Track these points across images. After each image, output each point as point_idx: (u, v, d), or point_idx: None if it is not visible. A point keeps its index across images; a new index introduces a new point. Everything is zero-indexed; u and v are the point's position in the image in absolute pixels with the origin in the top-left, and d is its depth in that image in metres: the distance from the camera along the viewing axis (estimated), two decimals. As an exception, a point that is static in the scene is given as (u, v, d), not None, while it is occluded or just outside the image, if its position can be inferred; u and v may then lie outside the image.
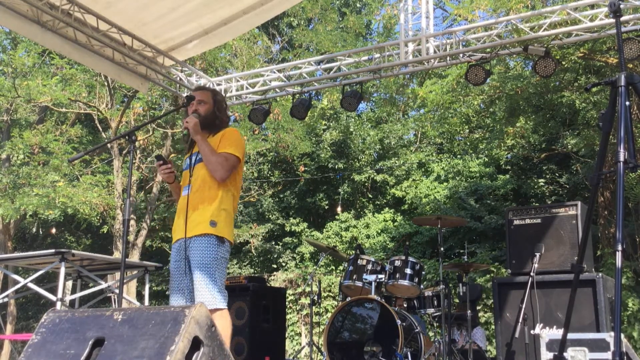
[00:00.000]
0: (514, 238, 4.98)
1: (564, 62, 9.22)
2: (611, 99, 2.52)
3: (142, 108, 13.41)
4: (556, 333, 3.92)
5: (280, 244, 15.42)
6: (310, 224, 15.77)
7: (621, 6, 3.66)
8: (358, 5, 17.41)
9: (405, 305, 5.53)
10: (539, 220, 4.88)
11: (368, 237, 14.19)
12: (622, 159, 2.34)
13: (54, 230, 15.92)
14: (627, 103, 2.45)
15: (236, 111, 12.69)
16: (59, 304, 4.61)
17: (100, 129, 14.26)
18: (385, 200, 15.73)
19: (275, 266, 15.06)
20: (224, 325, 3.09)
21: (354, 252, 5.60)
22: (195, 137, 3.32)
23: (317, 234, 15.00)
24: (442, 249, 5.35)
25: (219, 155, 3.30)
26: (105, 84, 12.76)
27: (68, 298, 5.50)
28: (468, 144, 14.69)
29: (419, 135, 16.34)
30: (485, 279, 10.55)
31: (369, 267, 5.33)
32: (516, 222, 4.99)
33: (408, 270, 5.22)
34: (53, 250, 4.84)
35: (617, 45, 2.67)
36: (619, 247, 2.25)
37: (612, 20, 5.32)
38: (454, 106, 12.08)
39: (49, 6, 5.60)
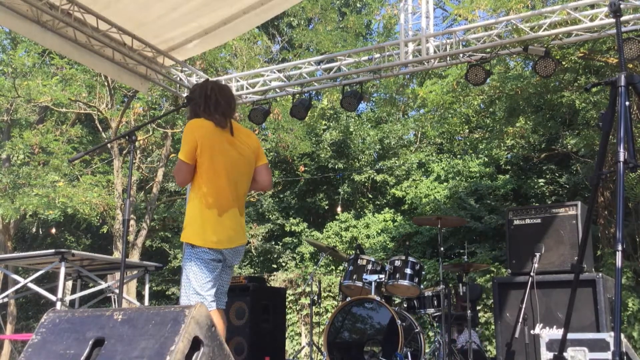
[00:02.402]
0: (514, 238, 4.98)
1: (564, 62, 9.22)
2: (611, 99, 2.52)
3: (142, 108, 13.42)
4: (556, 333, 3.92)
5: (280, 244, 15.42)
6: (310, 224, 15.76)
7: (621, 6, 3.66)
8: (358, 5, 17.41)
9: (405, 305, 5.53)
10: (539, 220, 4.88)
11: (368, 237, 14.18)
12: (622, 159, 2.34)
13: (54, 230, 15.91)
14: (627, 103, 2.45)
15: (236, 111, 12.69)
16: (59, 304, 4.62)
17: (100, 129, 14.27)
18: (385, 200, 15.73)
19: (275, 266, 15.06)
20: None
21: (354, 252, 5.59)
22: None
23: (317, 234, 15.00)
24: (442, 249, 5.35)
25: None
26: (105, 84, 12.77)
27: (68, 298, 5.50)
28: (468, 144, 14.69)
29: (419, 135, 16.34)
30: (485, 279, 10.55)
31: (369, 267, 5.33)
32: (516, 222, 4.99)
33: (408, 270, 5.22)
34: (53, 250, 4.84)
35: (617, 45, 2.67)
36: (619, 247, 2.25)
37: (612, 20, 5.32)
38: (454, 106, 12.08)
39: (49, 6, 5.60)
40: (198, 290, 3.14)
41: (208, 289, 3.16)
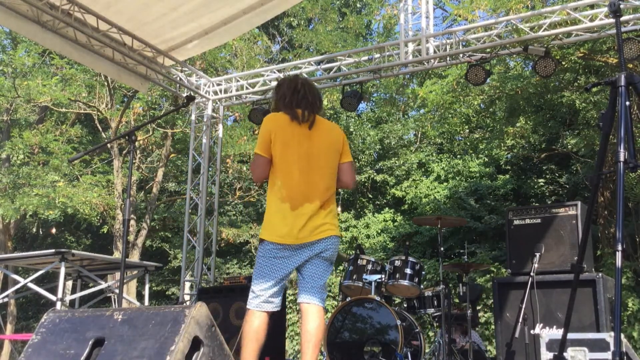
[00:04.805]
0: (514, 238, 4.97)
1: (564, 62, 9.21)
2: (611, 99, 2.52)
3: (142, 108, 13.40)
4: (556, 333, 3.92)
5: (281, 244, 15.38)
6: (310, 224, 15.71)
7: (621, 6, 3.66)
8: (358, 5, 17.39)
9: (405, 305, 5.53)
10: (539, 220, 4.87)
11: (368, 237, 14.17)
12: (622, 159, 2.34)
13: (54, 230, 15.91)
14: (627, 103, 2.44)
15: (236, 111, 12.69)
16: (59, 304, 4.62)
17: (100, 129, 14.26)
18: (385, 200, 15.72)
19: (275, 266, 15.03)
20: (243, 326, 3.08)
21: (354, 252, 5.59)
22: None
23: (317, 234, 14.95)
24: (442, 249, 5.34)
25: None
26: (105, 84, 12.76)
27: (68, 298, 5.50)
28: (468, 144, 14.68)
29: (419, 135, 16.33)
30: (485, 279, 10.53)
31: (369, 267, 5.32)
32: (516, 222, 4.98)
33: (408, 270, 5.21)
34: (53, 250, 4.85)
35: (617, 45, 2.66)
36: (619, 247, 2.25)
37: (612, 20, 5.32)
38: (454, 106, 12.07)
39: (49, 6, 5.60)
40: (254, 287, 3.10)
41: (264, 288, 3.08)
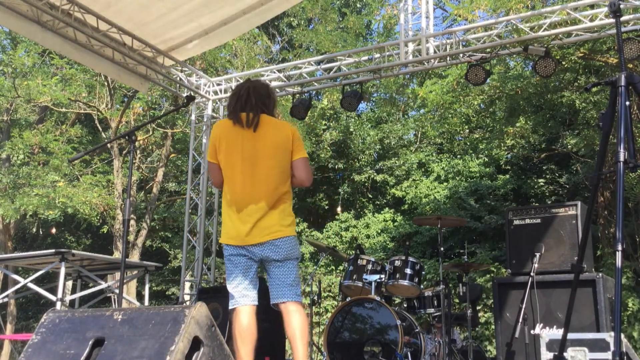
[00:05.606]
0: (514, 238, 4.98)
1: (564, 62, 9.22)
2: (611, 99, 2.52)
3: (142, 108, 13.41)
4: (556, 333, 3.92)
5: (280, 243, 15.37)
6: (310, 224, 15.75)
7: (621, 6, 3.66)
8: (358, 5, 17.39)
9: (405, 305, 5.53)
10: (539, 220, 4.88)
11: (368, 237, 14.18)
12: (622, 159, 2.34)
13: (54, 230, 15.90)
14: (627, 103, 2.44)
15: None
16: (59, 304, 4.62)
17: (100, 129, 14.26)
18: (385, 200, 15.72)
19: (275, 266, 15.02)
20: (233, 327, 3.14)
21: (354, 252, 5.58)
22: None
23: (317, 234, 14.99)
24: (442, 249, 5.33)
25: None
26: (105, 84, 12.77)
27: (68, 298, 5.51)
28: (468, 144, 14.68)
29: (419, 135, 16.34)
30: (485, 279, 10.54)
31: (369, 267, 5.32)
32: (516, 222, 4.99)
33: (408, 270, 5.21)
34: (53, 250, 4.85)
35: (617, 45, 2.66)
36: (619, 247, 2.25)
37: (612, 20, 5.32)
38: (454, 106, 12.08)
39: (49, 6, 5.60)
40: (228, 288, 3.21)
41: (234, 286, 3.18)
